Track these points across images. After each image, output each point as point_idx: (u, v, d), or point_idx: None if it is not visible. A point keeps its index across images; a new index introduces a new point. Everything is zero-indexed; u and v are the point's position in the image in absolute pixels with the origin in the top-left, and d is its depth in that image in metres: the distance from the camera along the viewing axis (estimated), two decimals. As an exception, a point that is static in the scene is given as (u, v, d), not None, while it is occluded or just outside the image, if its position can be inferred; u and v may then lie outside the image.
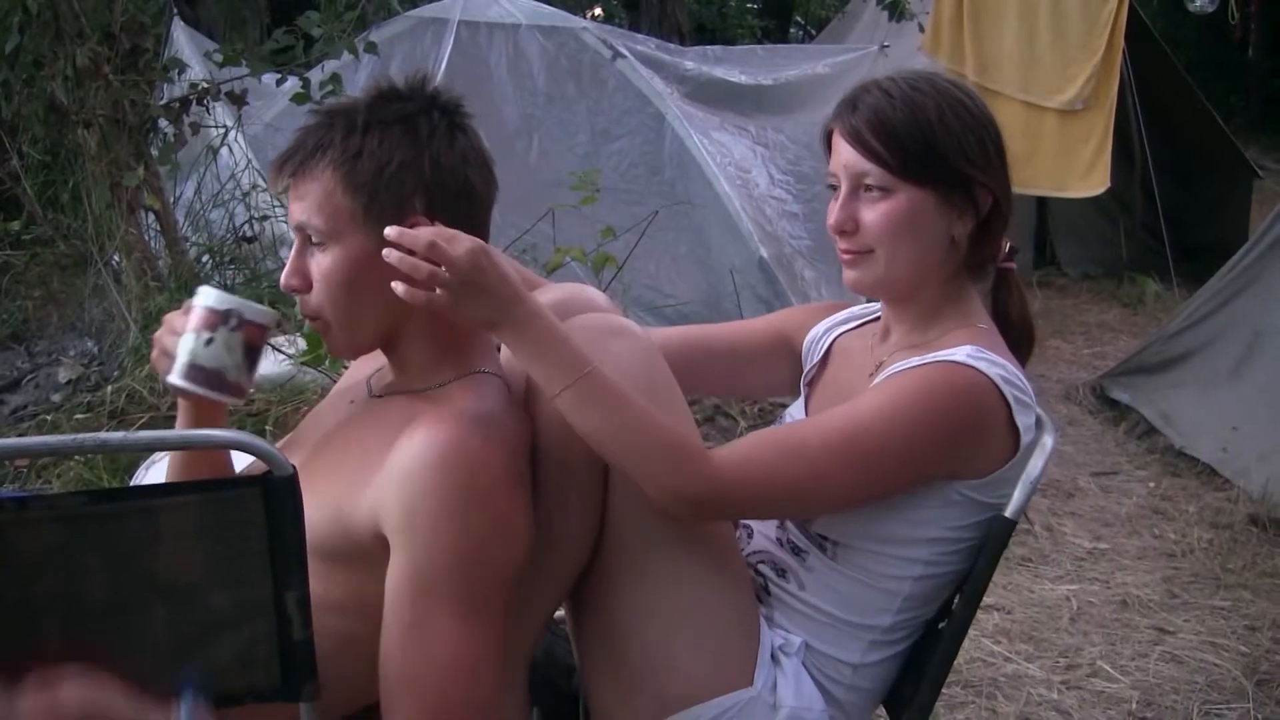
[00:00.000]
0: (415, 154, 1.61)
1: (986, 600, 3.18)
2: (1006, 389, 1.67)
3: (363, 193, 1.59)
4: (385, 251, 1.54)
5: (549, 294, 1.87)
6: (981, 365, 1.66)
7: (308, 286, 1.64)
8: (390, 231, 1.55)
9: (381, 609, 1.52)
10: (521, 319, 1.58)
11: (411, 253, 1.54)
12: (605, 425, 1.59)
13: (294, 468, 1.43)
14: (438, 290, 1.54)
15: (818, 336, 2.01)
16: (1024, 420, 1.69)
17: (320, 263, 1.62)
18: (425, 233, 1.54)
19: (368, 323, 1.66)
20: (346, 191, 1.60)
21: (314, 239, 1.62)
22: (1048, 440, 1.74)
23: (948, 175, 1.72)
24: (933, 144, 1.71)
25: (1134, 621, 3.70)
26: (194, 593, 1.45)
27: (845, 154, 1.75)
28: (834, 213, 1.76)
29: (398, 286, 1.55)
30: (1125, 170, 7.83)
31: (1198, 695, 3.29)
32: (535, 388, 1.68)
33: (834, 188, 1.78)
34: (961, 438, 1.66)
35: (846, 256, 1.78)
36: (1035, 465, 1.71)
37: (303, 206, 1.62)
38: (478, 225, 1.66)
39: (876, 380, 1.73)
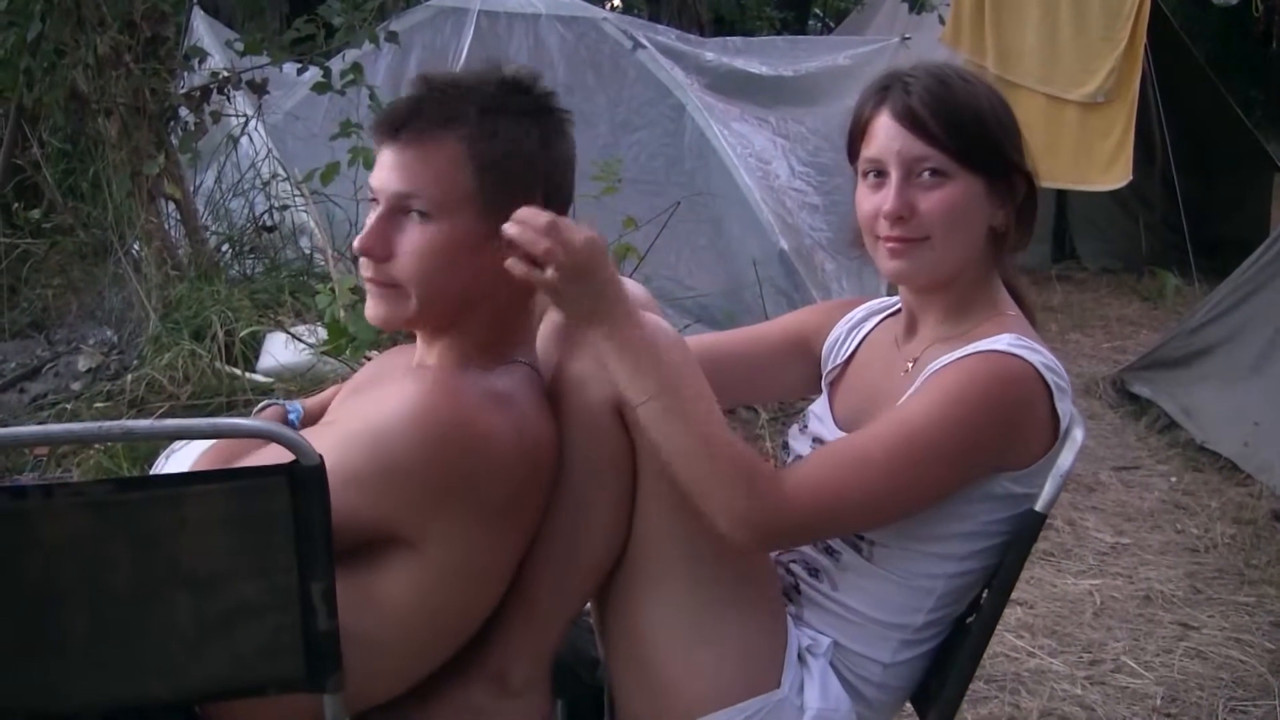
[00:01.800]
0: (543, 149, 1.61)
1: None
2: (1049, 376, 1.65)
3: (490, 174, 1.57)
4: (505, 226, 1.52)
5: None
6: (1024, 353, 1.65)
7: (389, 256, 1.59)
8: (518, 215, 1.53)
9: (387, 605, 1.54)
10: (620, 319, 1.56)
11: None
12: (684, 443, 1.56)
13: (320, 457, 1.41)
14: (549, 272, 1.52)
15: (841, 337, 1.97)
16: (1063, 408, 1.68)
17: (417, 235, 1.57)
18: (547, 214, 1.53)
19: (448, 302, 1.61)
20: (474, 169, 1.57)
21: (419, 209, 1.57)
22: (1078, 433, 1.72)
23: (999, 163, 1.71)
24: (990, 131, 1.70)
25: (1158, 617, 3.68)
26: (219, 582, 1.43)
27: (899, 138, 1.69)
28: (889, 199, 1.69)
29: (514, 264, 1.53)
30: (1145, 164, 7.79)
31: (1223, 692, 3.26)
32: (570, 387, 1.65)
33: (879, 174, 1.72)
34: (1013, 425, 1.65)
35: (895, 245, 1.71)
36: (1066, 458, 1.69)
37: (411, 175, 1.57)
38: None
39: (918, 379, 1.70)
